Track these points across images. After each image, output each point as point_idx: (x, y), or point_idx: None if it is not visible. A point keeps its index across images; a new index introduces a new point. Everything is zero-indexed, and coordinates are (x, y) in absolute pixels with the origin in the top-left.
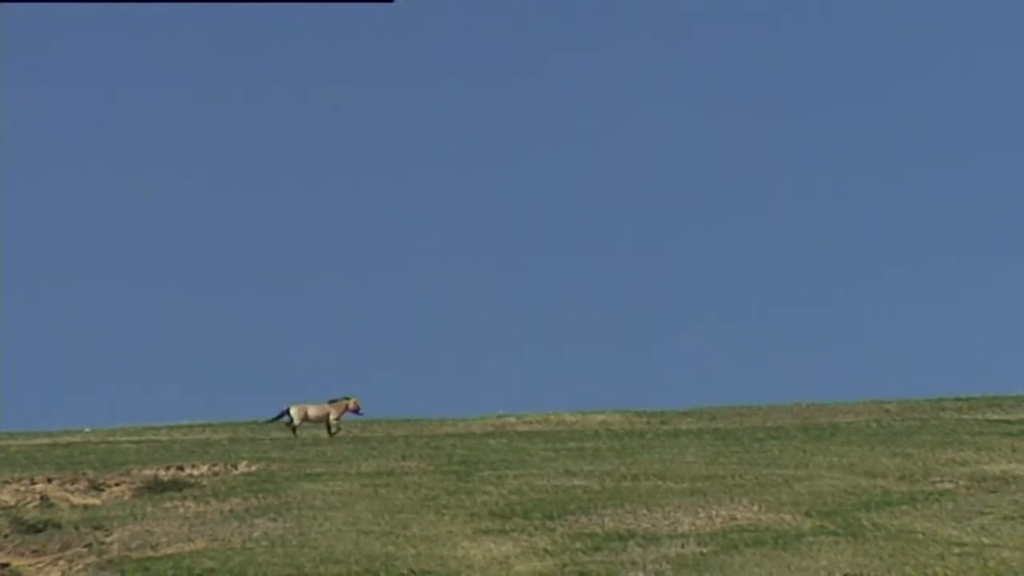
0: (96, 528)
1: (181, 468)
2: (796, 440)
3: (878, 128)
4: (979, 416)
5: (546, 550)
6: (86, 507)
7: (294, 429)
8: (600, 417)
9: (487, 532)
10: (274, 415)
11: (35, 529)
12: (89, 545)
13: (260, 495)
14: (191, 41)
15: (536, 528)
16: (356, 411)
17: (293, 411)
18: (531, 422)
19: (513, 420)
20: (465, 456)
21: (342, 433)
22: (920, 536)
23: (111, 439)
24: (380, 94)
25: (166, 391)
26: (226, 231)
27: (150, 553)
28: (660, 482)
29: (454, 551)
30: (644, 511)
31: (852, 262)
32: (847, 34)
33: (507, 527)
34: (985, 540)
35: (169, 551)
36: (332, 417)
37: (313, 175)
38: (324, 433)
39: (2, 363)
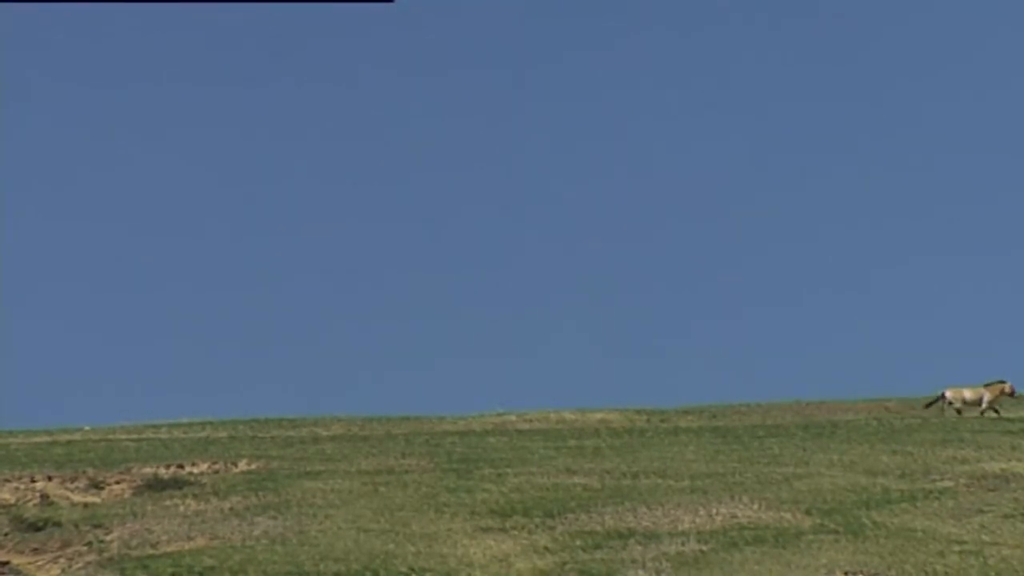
0: (96, 526)
1: (181, 466)
2: (796, 438)
3: (879, 127)
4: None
5: (546, 548)
6: (86, 505)
7: (958, 410)
8: (600, 415)
9: (487, 530)
10: (929, 399)
11: (35, 527)
12: (89, 543)
13: (260, 493)
14: (191, 41)
15: (536, 526)
16: (1011, 394)
17: (949, 394)
18: (531, 420)
19: (513, 418)
20: (465, 454)
21: (995, 415)
22: (920, 534)
23: (111, 437)
24: (380, 94)
25: (166, 389)
26: (226, 229)
27: (150, 551)
28: (660, 480)
29: (454, 549)
30: (644, 509)
31: (852, 261)
32: (847, 35)
33: (507, 525)
34: (985, 538)
35: (169, 549)
36: (987, 399)
37: (314, 174)
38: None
39: (2, 362)
